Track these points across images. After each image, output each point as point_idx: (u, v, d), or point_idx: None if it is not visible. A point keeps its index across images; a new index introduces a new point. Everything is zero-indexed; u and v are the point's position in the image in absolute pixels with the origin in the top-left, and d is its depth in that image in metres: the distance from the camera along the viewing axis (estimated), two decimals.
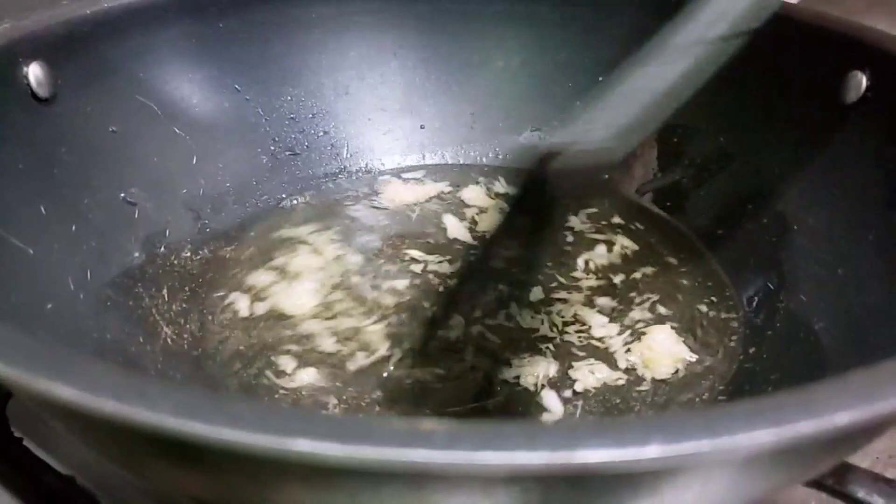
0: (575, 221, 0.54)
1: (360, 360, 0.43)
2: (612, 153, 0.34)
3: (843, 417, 0.18)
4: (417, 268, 0.50)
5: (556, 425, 0.17)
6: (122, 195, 0.46)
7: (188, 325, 0.44)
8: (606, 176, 0.37)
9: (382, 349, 0.44)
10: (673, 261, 0.51)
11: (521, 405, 0.40)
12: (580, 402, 0.40)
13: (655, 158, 0.56)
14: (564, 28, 0.57)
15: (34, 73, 0.41)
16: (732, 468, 0.21)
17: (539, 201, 0.38)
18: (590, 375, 0.42)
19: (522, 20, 0.58)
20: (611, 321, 0.46)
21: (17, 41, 0.41)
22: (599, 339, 0.45)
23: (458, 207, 0.56)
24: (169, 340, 0.42)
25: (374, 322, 0.45)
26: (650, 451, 0.17)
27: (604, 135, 0.34)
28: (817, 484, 0.35)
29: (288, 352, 0.43)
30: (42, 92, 0.42)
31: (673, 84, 0.34)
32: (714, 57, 0.34)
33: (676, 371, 0.42)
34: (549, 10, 0.57)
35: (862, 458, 0.41)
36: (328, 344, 0.44)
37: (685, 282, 0.49)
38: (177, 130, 0.50)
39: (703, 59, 0.34)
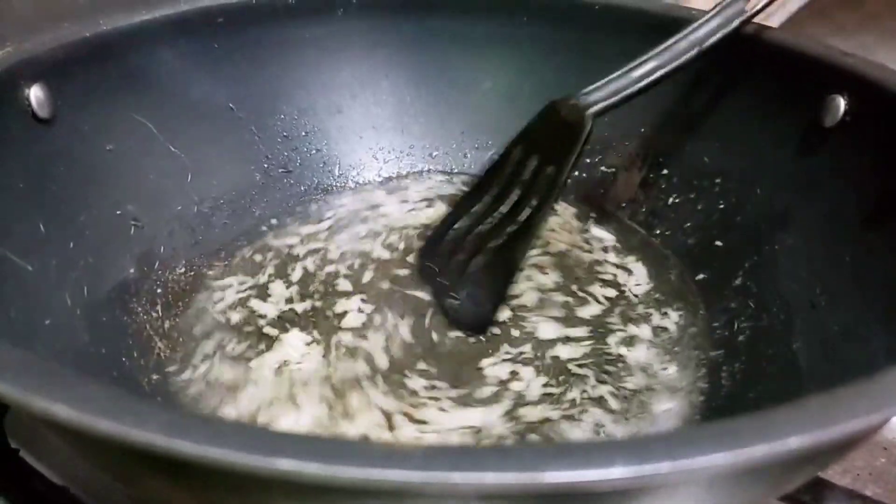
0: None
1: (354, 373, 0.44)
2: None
3: (797, 441, 0.19)
4: (408, 285, 0.51)
5: (527, 448, 0.19)
6: (119, 212, 0.46)
7: (181, 340, 0.45)
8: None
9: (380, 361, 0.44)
10: (649, 280, 0.52)
11: None
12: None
13: (638, 177, 0.57)
14: (552, 49, 0.58)
15: (35, 94, 0.42)
16: (698, 487, 0.22)
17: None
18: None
19: (509, 42, 0.59)
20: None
21: (19, 64, 0.41)
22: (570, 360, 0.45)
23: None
24: (163, 355, 0.43)
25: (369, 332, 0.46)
26: (614, 473, 0.18)
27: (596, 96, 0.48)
28: (794, 501, 0.36)
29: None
30: (42, 113, 0.42)
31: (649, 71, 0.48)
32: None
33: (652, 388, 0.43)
34: (536, 32, 0.58)
35: (842, 476, 0.42)
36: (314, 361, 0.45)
37: (662, 301, 0.50)
38: (172, 148, 0.51)
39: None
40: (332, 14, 0.57)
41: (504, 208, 0.51)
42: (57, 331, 0.37)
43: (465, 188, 0.61)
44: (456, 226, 0.54)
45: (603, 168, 0.59)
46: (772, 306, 0.45)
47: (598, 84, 0.48)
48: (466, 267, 0.50)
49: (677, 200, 0.55)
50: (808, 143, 0.46)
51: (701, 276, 0.51)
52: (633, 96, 0.48)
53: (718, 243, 0.51)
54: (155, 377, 0.41)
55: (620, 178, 0.58)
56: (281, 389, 0.42)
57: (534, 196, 0.50)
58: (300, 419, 0.40)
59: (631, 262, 0.54)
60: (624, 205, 0.58)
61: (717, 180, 0.52)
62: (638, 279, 0.52)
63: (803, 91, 0.46)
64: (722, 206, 0.52)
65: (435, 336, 0.46)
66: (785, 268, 0.45)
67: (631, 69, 0.48)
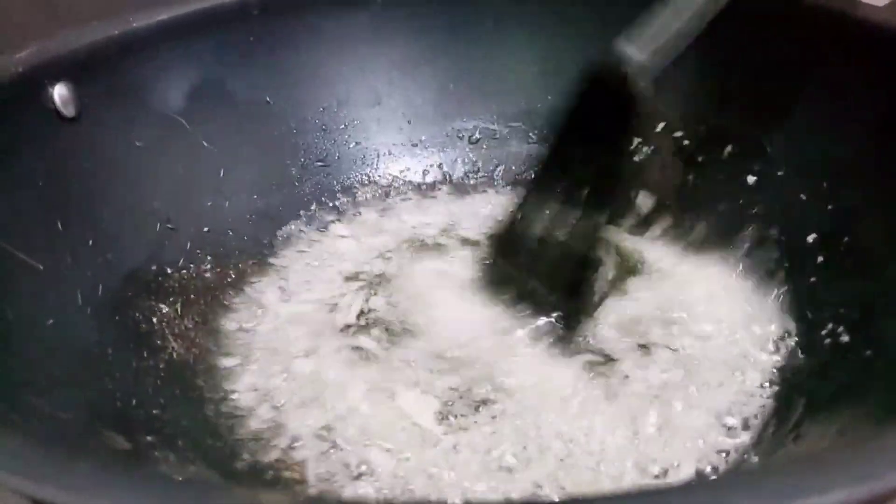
0: None
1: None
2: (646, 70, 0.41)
3: None
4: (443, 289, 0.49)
5: None
6: (145, 208, 0.47)
7: (197, 340, 0.45)
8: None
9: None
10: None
11: None
12: None
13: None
14: (598, 32, 0.53)
15: (60, 93, 0.42)
16: None
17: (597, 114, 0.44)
18: None
19: (557, 26, 0.56)
20: None
21: (42, 64, 0.42)
22: None
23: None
24: (175, 355, 0.43)
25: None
26: None
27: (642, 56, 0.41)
28: None
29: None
30: (67, 111, 0.43)
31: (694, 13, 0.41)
32: None
33: None
34: (586, 13, 0.55)
35: None
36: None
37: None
38: (205, 144, 0.50)
39: None
40: (371, 2, 0.55)
41: (570, 210, 0.46)
42: (60, 332, 0.38)
43: (507, 185, 0.59)
44: (524, 224, 0.48)
45: None
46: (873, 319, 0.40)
47: (642, 27, 0.41)
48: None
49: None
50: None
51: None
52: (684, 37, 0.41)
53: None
54: (162, 379, 0.41)
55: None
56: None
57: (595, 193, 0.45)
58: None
59: None
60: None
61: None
62: None
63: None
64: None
65: None
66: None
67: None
